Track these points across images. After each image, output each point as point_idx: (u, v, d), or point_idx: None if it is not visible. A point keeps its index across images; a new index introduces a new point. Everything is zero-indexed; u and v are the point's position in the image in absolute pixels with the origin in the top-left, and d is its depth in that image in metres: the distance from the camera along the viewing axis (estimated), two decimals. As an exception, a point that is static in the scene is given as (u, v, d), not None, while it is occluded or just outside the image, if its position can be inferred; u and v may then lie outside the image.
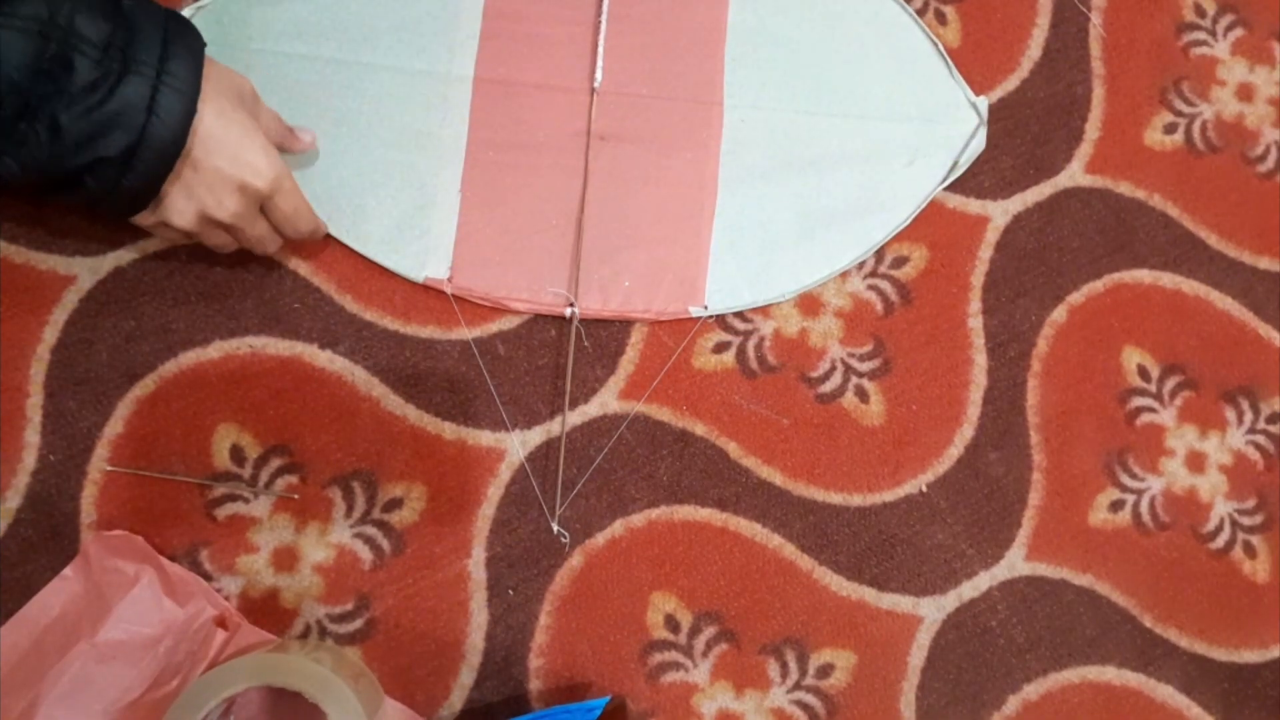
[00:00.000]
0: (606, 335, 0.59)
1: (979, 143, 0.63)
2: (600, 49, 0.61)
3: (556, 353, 0.58)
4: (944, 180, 0.62)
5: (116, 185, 0.45)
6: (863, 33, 0.63)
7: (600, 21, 0.61)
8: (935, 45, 0.63)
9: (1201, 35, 0.68)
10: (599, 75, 0.60)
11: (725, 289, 0.60)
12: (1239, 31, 0.68)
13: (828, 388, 0.60)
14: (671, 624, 0.57)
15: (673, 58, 0.62)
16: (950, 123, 0.63)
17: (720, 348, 0.60)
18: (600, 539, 0.57)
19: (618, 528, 0.57)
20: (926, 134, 0.63)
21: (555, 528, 0.56)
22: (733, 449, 0.59)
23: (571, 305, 0.58)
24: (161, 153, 0.44)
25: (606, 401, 0.58)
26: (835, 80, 0.63)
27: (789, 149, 0.62)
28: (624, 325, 0.59)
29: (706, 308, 0.59)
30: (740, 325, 0.60)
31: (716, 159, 0.61)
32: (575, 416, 0.58)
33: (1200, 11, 0.68)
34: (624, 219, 0.60)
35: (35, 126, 0.42)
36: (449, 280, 0.58)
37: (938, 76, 0.63)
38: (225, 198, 0.48)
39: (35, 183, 0.44)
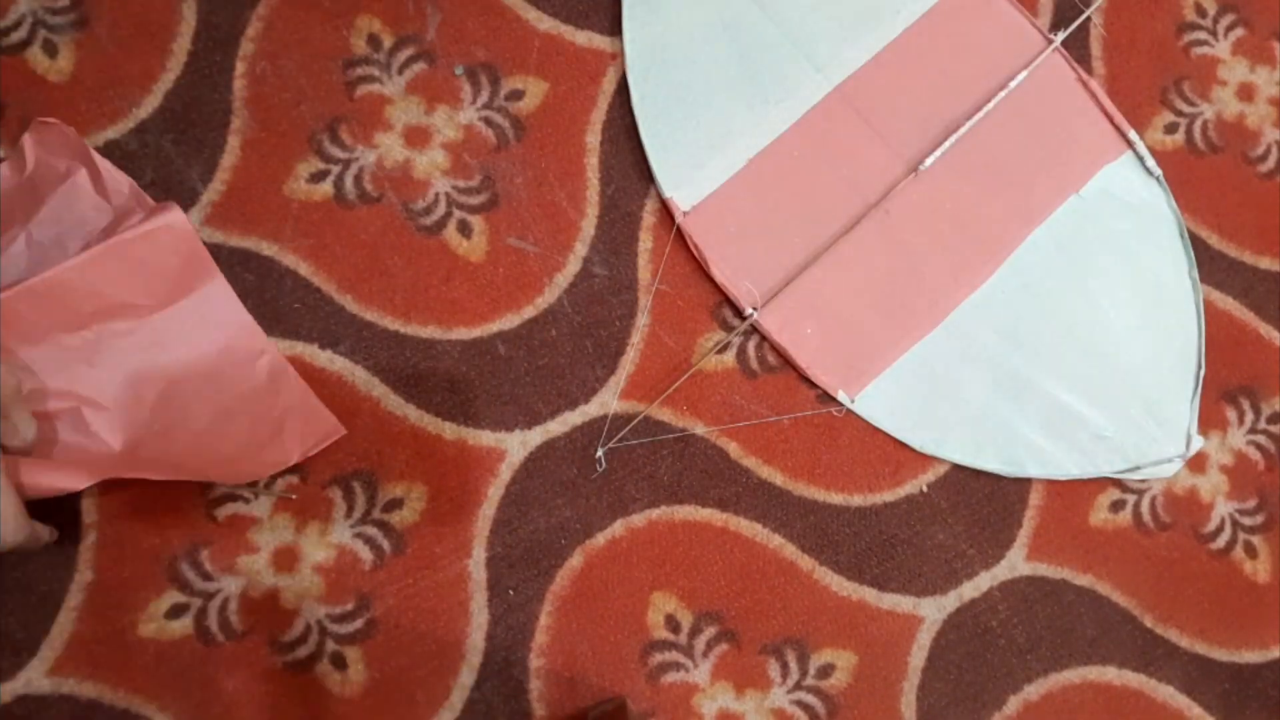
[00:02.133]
0: (607, 335, 0.59)
1: (1167, 469, 0.61)
2: (949, 143, 0.61)
3: (556, 353, 0.58)
4: (1114, 471, 0.60)
5: None
6: (1154, 305, 0.62)
7: (965, 124, 0.62)
8: (1199, 365, 0.61)
9: (1202, 35, 0.68)
10: (929, 160, 0.61)
11: (877, 402, 0.59)
12: (1240, 31, 0.68)
13: (828, 388, 0.60)
14: (672, 624, 0.57)
15: (991, 200, 0.62)
16: (1158, 437, 0.61)
17: (721, 348, 0.60)
18: (600, 539, 0.57)
19: (618, 528, 0.57)
20: (1133, 430, 0.60)
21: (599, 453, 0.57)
22: (733, 449, 0.59)
23: (754, 310, 0.59)
24: None
25: (606, 401, 0.58)
26: (1099, 320, 0.61)
27: (1024, 339, 0.60)
28: (625, 325, 0.59)
29: (854, 401, 0.59)
30: (740, 326, 0.60)
31: (960, 300, 0.60)
32: (576, 416, 0.58)
33: (1201, 11, 0.68)
34: (855, 283, 0.60)
35: None
36: (685, 214, 0.60)
37: (1184, 390, 0.61)
38: None
39: None
